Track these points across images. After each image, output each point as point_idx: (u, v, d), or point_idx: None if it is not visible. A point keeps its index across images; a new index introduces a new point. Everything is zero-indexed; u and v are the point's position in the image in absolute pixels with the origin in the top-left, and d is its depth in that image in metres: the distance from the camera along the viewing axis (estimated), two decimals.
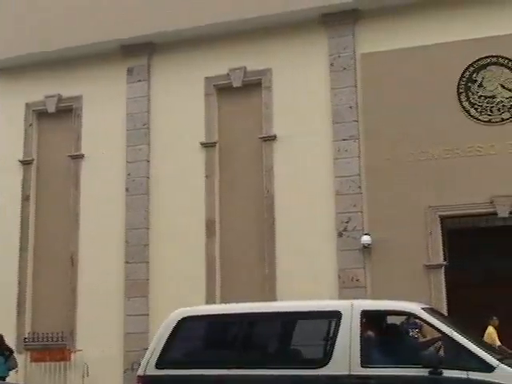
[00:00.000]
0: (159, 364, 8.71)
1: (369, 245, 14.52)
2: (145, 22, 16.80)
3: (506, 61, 14.46)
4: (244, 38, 16.38)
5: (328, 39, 15.77)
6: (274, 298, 14.88)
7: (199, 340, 9.36)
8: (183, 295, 14.93)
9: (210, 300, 15.43)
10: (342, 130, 15.32)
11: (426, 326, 8.57)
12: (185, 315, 9.03)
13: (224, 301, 15.09)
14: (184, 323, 8.94)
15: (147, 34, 16.86)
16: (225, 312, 9.38)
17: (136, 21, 16.86)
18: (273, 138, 15.87)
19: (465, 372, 7.57)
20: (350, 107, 15.35)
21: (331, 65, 15.65)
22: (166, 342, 8.83)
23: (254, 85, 16.30)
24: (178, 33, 16.66)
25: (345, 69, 15.54)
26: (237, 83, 16.41)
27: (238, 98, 16.54)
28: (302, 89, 15.82)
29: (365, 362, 7.97)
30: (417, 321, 9.67)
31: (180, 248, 16.00)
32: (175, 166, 16.50)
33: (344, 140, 15.26)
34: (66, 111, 17.76)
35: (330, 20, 15.70)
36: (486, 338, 12.76)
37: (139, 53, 17.15)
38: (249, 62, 16.31)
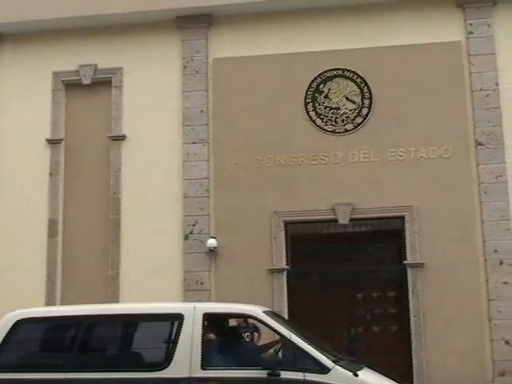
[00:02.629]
0: None
1: (215, 248, 14.64)
2: None
3: (352, 74, 15.06)
4: (96, 35, 16.01)
5: (181, 42, 15.75)
6: (117, 300, 14.64)
7: (36, 343, 9.06)
8: (22, 297, 14.38)
9: (50, 302, 14.95)
10: (191, 133, 15.35)
11: (265, 328, 8.72)
12: (20, 317, 8.73)
13: (65, 303, 14.72)
14: (20, 325, 8.64)
15: None
16: (63, 314, 9.14)
17: None
18: (122, 138, 15.63)
19: (301, 373, 7.83)
20: (201, 111, 15.41)
21: (184, 67, 15.64)
22: (0, 345, 8.51)
23: (104, 83, 15.94)
24: (27, 24, 15.97)
25: (197, 72, 15.58)
26: (86, 80, 16.02)
27: (87, 95, 16.15)
28: (153, 90, 15.70)
29: (205, 365, 8.06)
30: (255, 323, 9.85)
31: (20, 248, 15.36)
32: (18, 162, 15.83)
33: (193, 143, 15.31)
34: None
35: (184, 23, 15.69)
36: None
37: None
38: (100, 59, 15.97)
